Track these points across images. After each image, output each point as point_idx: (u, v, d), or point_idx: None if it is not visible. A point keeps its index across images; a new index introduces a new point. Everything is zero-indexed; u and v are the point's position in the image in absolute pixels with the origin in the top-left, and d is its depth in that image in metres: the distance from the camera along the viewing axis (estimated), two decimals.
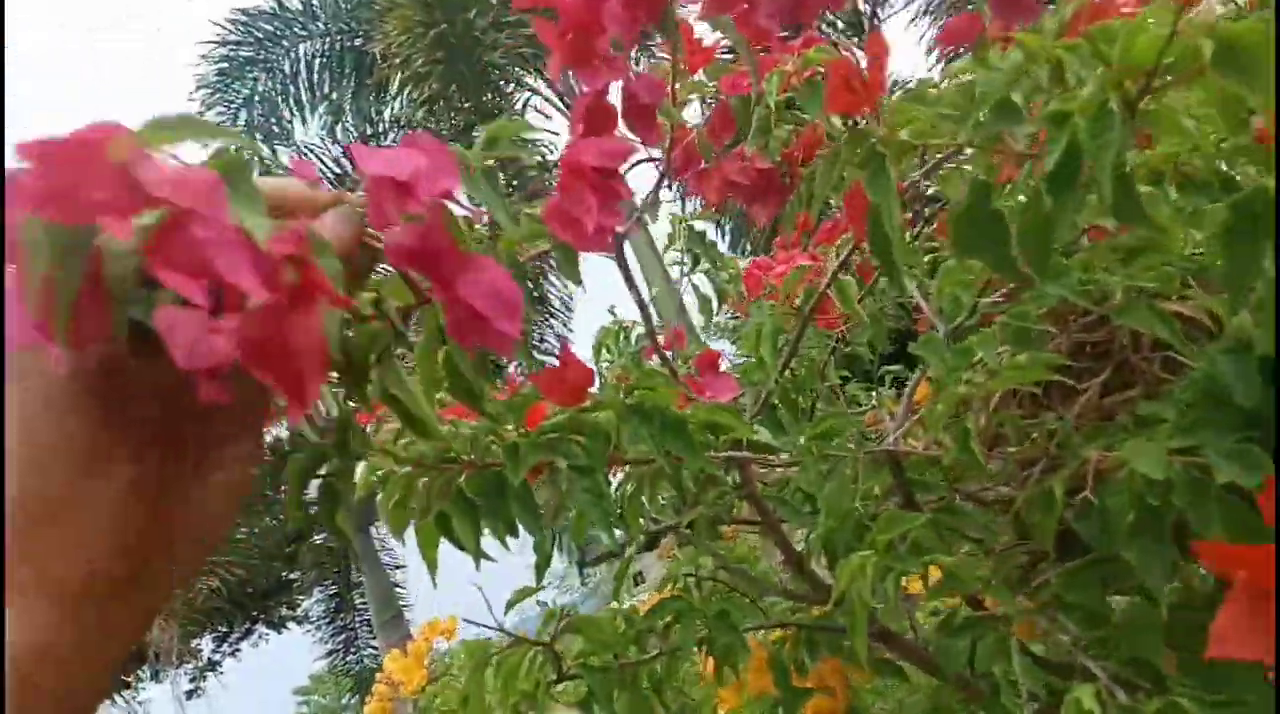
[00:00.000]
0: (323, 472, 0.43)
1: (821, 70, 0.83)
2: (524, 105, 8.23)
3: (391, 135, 9.26)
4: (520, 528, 0.61)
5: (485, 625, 0.86)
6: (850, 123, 0.98)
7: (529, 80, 8.42)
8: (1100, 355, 0.73)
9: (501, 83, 7.58)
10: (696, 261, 1.21)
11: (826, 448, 0.69)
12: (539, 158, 7.86)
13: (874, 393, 1.48)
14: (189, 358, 0.24)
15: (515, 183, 7.81)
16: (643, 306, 0.78)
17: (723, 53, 0.90)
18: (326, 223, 0.32)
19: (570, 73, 0.57)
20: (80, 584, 0.26)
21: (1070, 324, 0.73)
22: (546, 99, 8.73)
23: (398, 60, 7.17)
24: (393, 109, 9.11)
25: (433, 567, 0.52)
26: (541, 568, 0.75)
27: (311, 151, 9.30)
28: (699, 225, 1.27)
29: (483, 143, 0.46)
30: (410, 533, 0.63)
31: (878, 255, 0.49)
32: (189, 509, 0.29)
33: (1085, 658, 0.59)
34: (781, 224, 1.06)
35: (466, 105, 6.95)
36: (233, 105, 9.00)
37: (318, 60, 8.86)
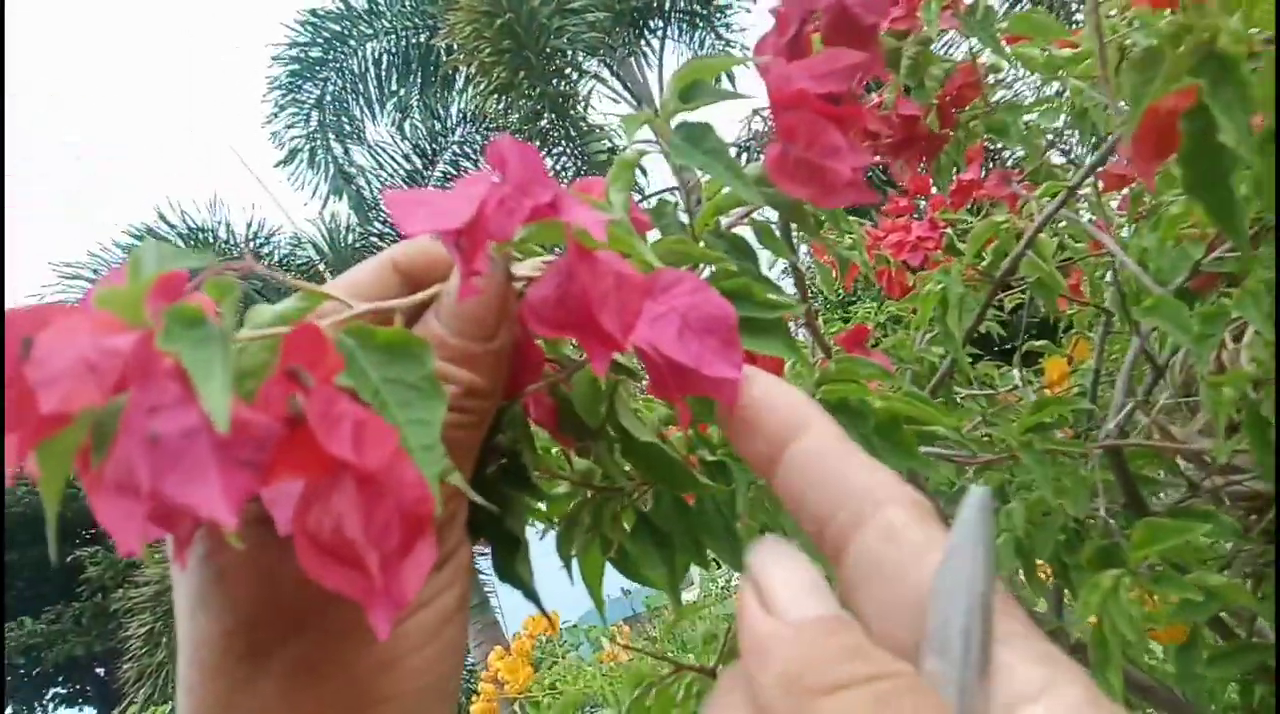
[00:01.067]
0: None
1: None
2: (589, 93, 8.14)
3: (460, 130, 9.27)
4: None
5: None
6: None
7: (591, 67, 8.33)
8: None
9: (567, 69, 7.50)
10: (820, 226, 1.09)
11: (1049, 442, 0.57)
12: (607, 144, 7.77)
13: (1012, 372, 1.34)
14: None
15: (585, 171, 7.74)
16: (799, 275, 0.66)
17: None
18: (447, 290, 0.25)
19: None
20: None
21: None
22: (610, 87, 8.63)
23: (463, 53, 7.14)
24: (459, 103, 9.12)
25: (600, 606, 0.42)
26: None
27: (384, 150, 9.39)
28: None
29: (676, 90, 0.35)
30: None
31: (1208, 200, 0.37)
32: (384, 671, 0.22)
33: None
34: (934, 177, 0.93)
35: (535, 92, 6.89)
36: (304, 106, 9.12)
37: (385, 57, 8.91)
